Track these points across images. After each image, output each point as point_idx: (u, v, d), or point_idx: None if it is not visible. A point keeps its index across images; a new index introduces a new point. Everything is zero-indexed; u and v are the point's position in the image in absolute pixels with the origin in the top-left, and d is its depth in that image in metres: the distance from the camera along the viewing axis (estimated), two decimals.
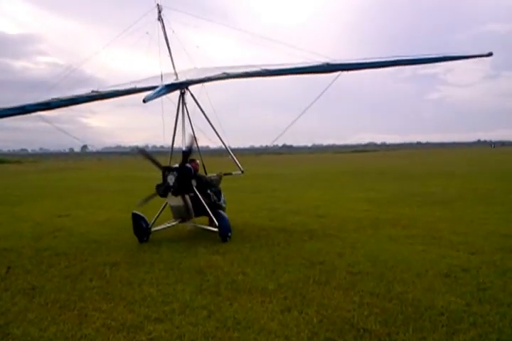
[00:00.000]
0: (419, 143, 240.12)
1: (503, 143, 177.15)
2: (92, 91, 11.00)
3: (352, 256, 7.81)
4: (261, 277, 6.69)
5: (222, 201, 11.07)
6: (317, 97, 10.09)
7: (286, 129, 10.57)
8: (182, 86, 10.62)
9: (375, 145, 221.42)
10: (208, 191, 10.65)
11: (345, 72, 9.75)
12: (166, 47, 11.16)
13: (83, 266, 7.70)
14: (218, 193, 10.98)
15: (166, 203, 10.47)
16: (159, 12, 11.15)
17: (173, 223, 10.49)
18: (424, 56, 10.22)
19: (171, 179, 9.94)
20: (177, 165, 10.19)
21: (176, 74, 11.24)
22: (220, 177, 11.79)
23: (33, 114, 11.01)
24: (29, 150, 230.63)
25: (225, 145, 11.61)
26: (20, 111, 10.84)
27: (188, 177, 10.07)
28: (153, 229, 10.17)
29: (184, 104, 11.10)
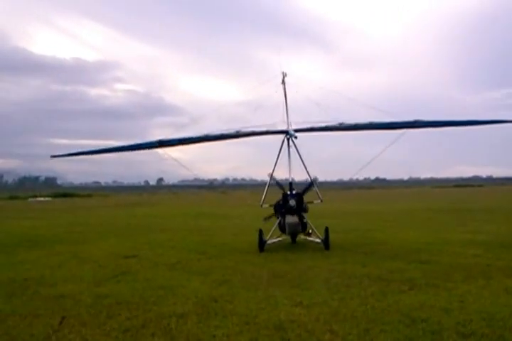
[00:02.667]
0: None
1: None
2: (237, 131, 15.50)
3: (462, 312, 7.14)
4: (352, 337, 6.16)
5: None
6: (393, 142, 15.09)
7: (369, 162, 15.70)
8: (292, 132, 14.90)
9: (480, 179, 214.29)
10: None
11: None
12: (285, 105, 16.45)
13: (146, 317, 7.41)
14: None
15: (279, 221, 15.09)
16: (283, 77, 16.83)
17: (283, 237, 15.71)
18: (447, 120, 15.29)
19: (293, 202, 14.41)
20: (294, 192, 14.80)
21: (287, 123, 15.79)
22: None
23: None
24: (102, 183, 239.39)
25: (310, 178, 15.79)
26: (157, 145, 15.45)
27: (302, 201, 14.76)
28: (268, 241, 14.80)
29: (289, 146, 15.56)
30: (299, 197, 14.65)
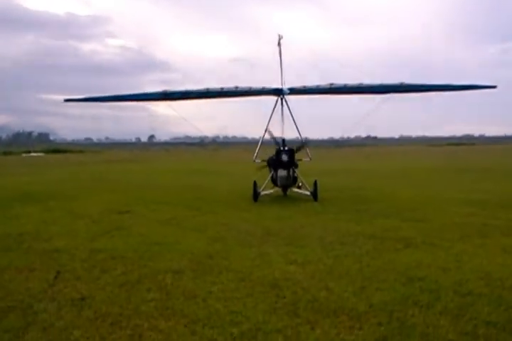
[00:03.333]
0: None
1: None
2: (236, 87, 16.43)
3: (459, 271, 7.07)
4: (348, 295, 6.08)
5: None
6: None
7: (357, 122, 18.01)
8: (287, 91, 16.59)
9: (472, 137, 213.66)
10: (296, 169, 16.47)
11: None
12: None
13: (141, 272, 7.33)
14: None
15: (272, 175, 16.56)
16: (279, 39, 17.32)
17: (274, 189, 16.89)
18: (430, 84, 17.08)
19: (285, 157, 15.86)
20: (286, 148, 16.03)
21: (282, 84, 16.89)
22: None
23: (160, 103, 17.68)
24: (94, 140, 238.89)
25: (301, 137, 17.59)
26: (162, 96, 16.62)
27: (293, 157, 16.12)
28: (262, 193, 16.09)
29: (282, 105, 17.00)
30: (291, 152, 15.97)
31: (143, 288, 6.59)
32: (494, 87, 17.15)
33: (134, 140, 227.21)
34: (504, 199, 15.40)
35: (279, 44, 17.42)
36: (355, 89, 17.22)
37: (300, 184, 17.00)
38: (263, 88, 16.90)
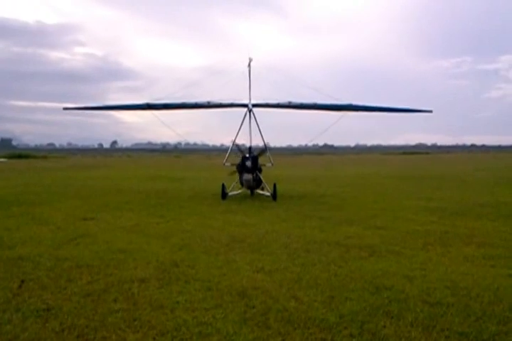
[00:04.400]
0: (473, 146, 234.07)
1: None
2: (208, 102, 19.24)
3: (425, 280, 7.00)
4: (317, 305, 5.94)
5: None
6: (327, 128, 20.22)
7: (326, 129, 20.12)
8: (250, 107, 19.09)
9: (425, 146, 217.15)
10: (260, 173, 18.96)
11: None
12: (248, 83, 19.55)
13: (107, 281, 7.06)
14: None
15: (240, 178, 18.93)
16: (249, 61, 19.68)
17: (241, 191, 19.61)
18: (375, 105, 19.91)
19: (249, 163, 18.05)
20: (252, 155, 18.39)
21: (249, 98, 19.36)
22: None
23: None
24: (57, 145, 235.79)
25: (265, 145, 19.59)
26: (146, 107, 19.38)
27: (257, 163, 18.47)
28: (230, 193, 18.75)
29: (250, 118, 19.14)
30: (254, 159, 18.37)
31: (109, 298, 6.34)
32: (430, 111, 20.54)
33: (96, 146, 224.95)
34: (461, 206, 15.56)
35: (249, 65, 19.79)
36: (310, 107, 20.07)
37: (262, 186, 19.55)
38: (232, 103, 19.61)
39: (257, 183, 19.17)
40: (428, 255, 8.69)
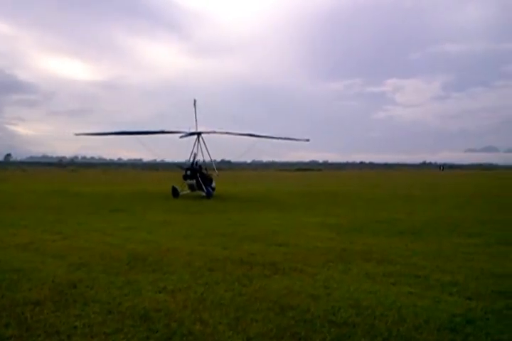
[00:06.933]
0: (362, 163, 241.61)
1: (451, 166, 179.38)
2: (161, 131, 28.18)
3: (329, 299, 6.81)
4: (223, 327, 5.61)
5: (213, 185, 28.07)
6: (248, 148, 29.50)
7: (249, 149, 29.58)
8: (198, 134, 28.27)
9: (317, 163, 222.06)
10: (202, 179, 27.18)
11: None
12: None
13: None
14: (210, 181, 27.79)
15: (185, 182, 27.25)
16: (195, 102, 28.54)
17: (188, 191, 27.55)
18: (265, 134, 28.57)
19: (188, 173, 26.59)
20: (191, 167, 27.01)
21: (196, 128, 28.09)
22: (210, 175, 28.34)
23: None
24: None
25: (212, 162, 29.79)
26: (120, 133, 28.86)
27: (195, 172, 26.72)
28: (181, 193, 26.89)
29: (198, 142, 28.24)
30: (193, 170, 26.94)
31: (1, 323, 5.75)
32: (307, 140, 30.46)
33: None
34: (356, 223, 15.72)
35: (194, 105, 28.48)
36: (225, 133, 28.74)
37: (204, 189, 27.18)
38: (183, 131, 27.74)
39: (199, 186, 26.99)
40: (330, 272, 8.53)
